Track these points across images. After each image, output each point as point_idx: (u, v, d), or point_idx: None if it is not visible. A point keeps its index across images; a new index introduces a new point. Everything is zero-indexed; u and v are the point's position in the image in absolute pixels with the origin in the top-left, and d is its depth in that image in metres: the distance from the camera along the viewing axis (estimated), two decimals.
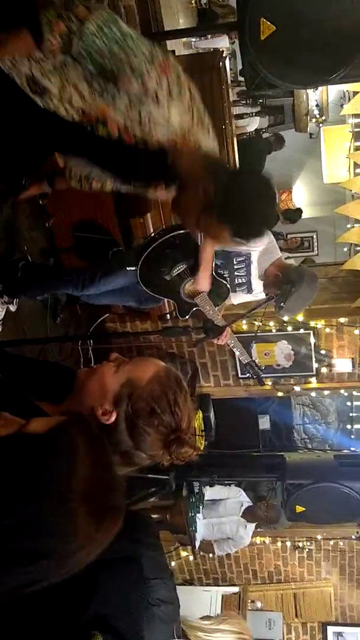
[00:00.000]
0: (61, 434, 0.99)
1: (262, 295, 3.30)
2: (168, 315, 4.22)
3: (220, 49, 5.05)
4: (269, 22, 2.26)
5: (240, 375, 4.97)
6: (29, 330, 3.79)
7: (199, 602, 5.62)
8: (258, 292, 3.31)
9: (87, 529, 0.93)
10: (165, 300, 3.61)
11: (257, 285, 3.29)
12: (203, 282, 3.06)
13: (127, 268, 3.20)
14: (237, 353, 3.26)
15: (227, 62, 4.06)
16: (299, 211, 8.27)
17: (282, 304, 3.01)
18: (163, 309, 4.13)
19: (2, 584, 0.89)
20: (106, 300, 3.69)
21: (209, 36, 5.86)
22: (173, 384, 1.30)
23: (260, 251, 3.17)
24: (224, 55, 4.05)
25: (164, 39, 3.97)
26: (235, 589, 6.02)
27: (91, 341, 4.39)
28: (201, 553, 5.48)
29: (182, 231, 3.12)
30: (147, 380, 1.28)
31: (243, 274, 3.26)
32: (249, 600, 6.02)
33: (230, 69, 4.97)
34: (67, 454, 0.96)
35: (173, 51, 3.94)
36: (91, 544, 0.95)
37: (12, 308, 3.46)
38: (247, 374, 3.37)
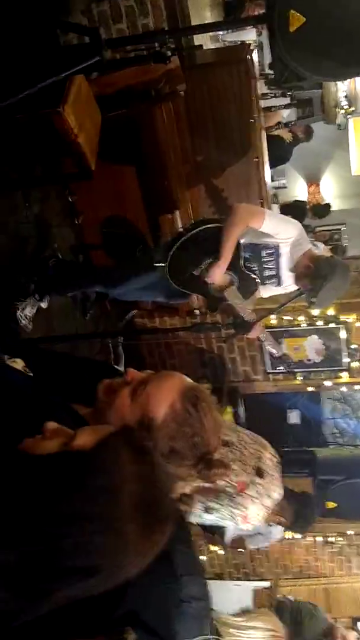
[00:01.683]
0: (108, 450, 0.98)
1: (293, 288, 3.28)
2: (197, 311, 4.22)
3: (248, 42, 5.00)
4: (298, 14, 2.23)
5: (269, 370, 4.95)
6: (59, 327, 3.83)
7: (229, 596, 5.63)
8: (288, 284, 3.29)
9: (137, 544, 0.93)
10: (194, 295, 3.61)
11: (287, 277, 3.26)
12: (217, 274, 3.05)
13: (156, 264, 3.21)
14: (268, 347, 3.25)
15: (254, 54, 4.03)
16: (327, 206, 8.17)
17: (313, 299, 2.99)
18: (192, 305, 4.14)
19: (52, 600, 0.89)
20: (135, 296, 3.70)
21: (236, 29, 5.81)
22: (191, 412, 1.24)
23: (291, 243, 3.15)
24: (251, 48, 4.02)
25: (191, 34, 3.96)
26: (266, 584, 6.01)
27: (121, 337, 4.41)
28: (231, 555, 5.48)
29: (209, 225, 3.11)
30: (162, 419, 1.23)
31: (272, 266, 3.23)
32: (280, 595, 6.00)
33: (258, 61, 4.93)
34: (114, 471, 0.95)
35: (200, 46, 3.92)
36: (142, 556, 0.95)
37: (44, 305, 3.50)
38: (280, 367, 3.35)
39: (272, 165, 5.81)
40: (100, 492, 0.92)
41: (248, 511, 3.27)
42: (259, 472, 3.47)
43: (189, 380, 1.35)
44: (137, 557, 0.94)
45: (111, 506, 0.92)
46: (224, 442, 3.46)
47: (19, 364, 1.37)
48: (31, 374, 1.37)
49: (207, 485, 3.34)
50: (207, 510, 3.18)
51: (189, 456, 1.24)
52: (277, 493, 2.98)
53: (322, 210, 8.08)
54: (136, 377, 1.31)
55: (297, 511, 3.64)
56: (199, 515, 3.19)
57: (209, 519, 3.07)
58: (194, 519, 2.91)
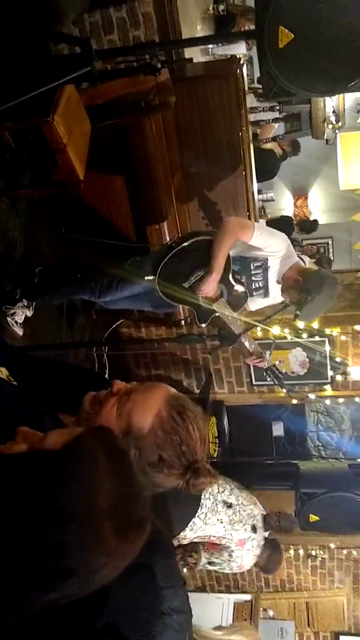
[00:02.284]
0: (79, 449, 0.97)
1: (279, 299, 3.30)
2: (183, 322, 4.22)
3: (238, 56, 5.05)
4: (287, 30, 2.26)
5: (254, 382, 4.96)
6: (45, 336, 3.81)
7: (210, 609, 5.60)
8: (275, 295, 3.31)
9: (113, 545, 0.92)
10: (181, 305, 3.62)
11: (274, 289, 3.28)
12: (210, 287, 3.06)
13: (145, 277, 3.21)
14: (253, 362, 3.27)
15: (244, 68, 4.06)
16: (315, 223, 8.26)
17: (299, 312, 3.01)
18: (178, 316, 4.14)
19: (27, 605, 0.88)
20: (123, 305, 3.70)
21: (226, 42, 5.87)
22: (177, 421, 1.25)
23: (279, 256, 3.17)
24: (241, 62, 4.05)
25: (182, 47, 3.99)
26: (248, 597, 5.99)
27: (106, 347, 4.40)
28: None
29: (198, 238, 3.12)
30: (149, 428, 1.24)
31: (260, 278, 3.26)
32: (261, 609, 5.98)
33: (247, 75, 4.97)
34: (87, 470, 0.94)
35: (191, 59, 3.95)
36: (117, 558, 0.94)
37: (29, 313, 3.49)
38: (269, 379, 3.37)
39: (260, 180, 5.86)
40: (71, 492, 0.91)
41: (243, 562, 3.52)
42: (254, 529, 3.67)
43: (174, 390, 1.35)
44: (111, 559, 0.93)
45: (85, 506, 0.91)
46: (228, 504, 3.60)
47: (3, 372, 1.36)
48: (15, 383, 1.36)
49: (213, 541, 3.50)
50: (210, 563, 3.53)
51: (177, 465, 1.24)
52: (263, 543, 3.57)
53: (309, 226, 8.16)
54: (122, 388, 1.31)
55: (269, 555, 3.84)
56: (203, 565, 3.42)
57: (211, 569, 3.72)
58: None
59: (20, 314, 3.38)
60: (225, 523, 3.56)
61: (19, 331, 3.39)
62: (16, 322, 3.35)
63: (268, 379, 3.37)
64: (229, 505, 3.60)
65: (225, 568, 3.77)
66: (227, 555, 3.67)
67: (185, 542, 3.55)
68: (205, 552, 3.69)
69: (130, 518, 0.96)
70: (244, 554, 3.67)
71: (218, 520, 3.52)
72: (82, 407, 1.31)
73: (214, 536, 3.59)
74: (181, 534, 3.40)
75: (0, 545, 0.86)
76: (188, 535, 3.45)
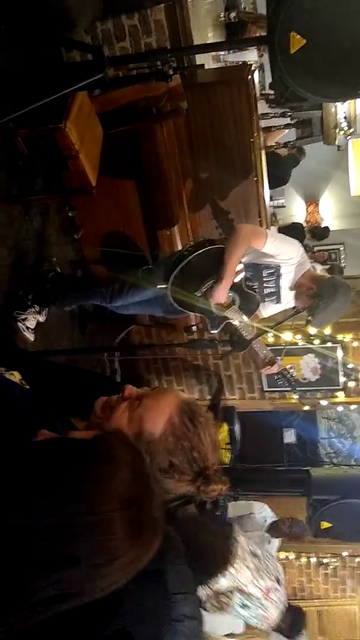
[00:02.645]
0: (103, 441, 0.99)
1: (291, 305, 3.29)
2: (194, 327, 4.22)
3: (249, 62, 5.06)
4: (299, 36, 2.26)
5: (265, 389, 4.94)
6: (56, 341, 3.82)
7: (221, 617, 5.56)
8: (287, 302, 3.30)
9: (123, 538, 0.91)
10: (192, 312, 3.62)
11: (287, 296, 3.28)
12: (220, 294, 3.06)
13: (158, 285, 3.22)
14: (265, 371, 3.27)
15: (255, 74, 4.07)
16: (326, 229, 8.24)
17: (311, 318, 3.00)
18: (189, 321, 4.14)
19: (31, 592, 0.87)
20: (134, 310, 3.71)
21: (238, 49, 5.88)
22: (189, 427, 1.24)
23: (292, 264, 3.17)
24: (252, 68, 4.06)
25: (193, 53, 4.00)
26: None
27: (117, 352, 4.41)
28: None
29: (211, 247, 3.12)
30: (160, 433, 1.23)
31: (272, 285, 3.25)
32: None
33: (259, 82, 4.98)
34: (109, 458, 0.96)
35: (202, 65, 3.96)
36: (125, 558, 0.93)
37: (41, 318, 3.50)
38: (280, 383, 3.36)
39: (272, 186, 5.85)
40: (92, 474, 0.92)
41: (271, 614, 3.56)
42: (278, 581, 3.71)
43: (185, 396, 1.35)
44: (118, 556, 0.92)
45: (101, 489, 0.91)
46: (254, 553, 3.63)
47: (16, 376, 1.37)
48: (27, 387, 1.36)
49: (243, 589, 3.52)
50: (243, 606, 3.63)
51: (187, 470, 1.23)
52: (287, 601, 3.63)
53: (321, 232, 8.15)
54: (133, 393, 1.31)
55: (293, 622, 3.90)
56: (236, 609, 3.43)
57: (242, 614, 3.71)
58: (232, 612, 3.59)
59: (32, 320, 3.40)
60: (253, 570, 3.60)
61: (31, 337, 3.40)
62: (27, 328, 3.36)
63: (280, 383, 3.36)
64: (255, 555, 3.67)
65: (256, 617, 3.81)
66: (257, 602, 3.71)
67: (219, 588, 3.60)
68: (238, 593, 3.72)
69: (142, 516, 0.95)
70: (270, 604, 3.72)
71: (246, 567, 3.56)
72: (94, 412, 1.31)
73: (243, 584, 3.63)
74: (215, 582, 3.43)
75: (14, 516, 0.86)
76: (221, 582, 3.48)
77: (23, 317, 3.35)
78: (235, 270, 3.04)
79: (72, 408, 1.35)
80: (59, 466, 0.93)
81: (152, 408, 1.26)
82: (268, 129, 5.62)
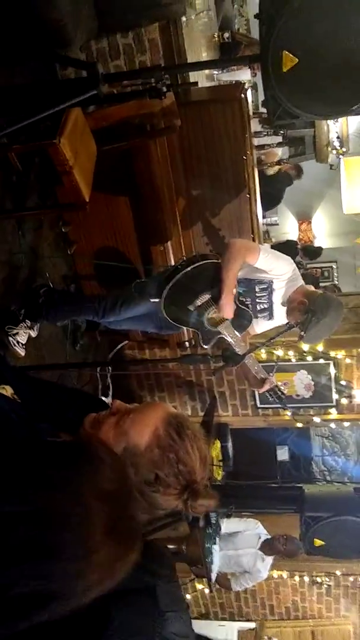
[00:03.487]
0: (86, 442, 1.03)
1: (284, 321, 3.30)
2: (187, 343, 4.21)
3: (242, 82, 5.12)
4: (291, 55, 2.29)
5: (259, 405, 4.93)
6: (49, 356, 3.81)
7: (214, 637, 5.50)
8: (280, 318, 3.31)
9: (100, 532, 0.90)
10: (185, 327, 3.62)
11: (279, 311, 3.28)
12: (228, 309, 3.06)
13: (151, 300, 3.22)
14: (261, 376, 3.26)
15: (248, 93, 4.11)
16: (319, 249, 8.29)
17: (303, 333, 3.00)
18: (182, 337, 4.14)
19: (6, 584, 0.85)
20: (127, 325, 3.70)
21: (231, 69, 5.96)
22: (175, 439, 1.23)
23: (284, 279, 3.18)
24: (245, 87, 4.10)
25: (187, 71, 4.05)
26: (252, 625, 5.89)
27: (110, 368, 4.39)
28: (217, 587, 5.38)
29: (204, 262, 3.13)
30: (145, 445, 1.22)
31: (265, 301, 3.26)
32: (266, 637, 5.88)
33: (252, 101, 5.04)
34: (91, 457, 0.97)
35: (196, 82, 4.00)
36: (103, 553, 0.91)
37: (33, 334, 3.49)
38: (271, 399, 3.35)
39: (267, 207, 5.90)
40: (72, 466, 0.94)
41: None
42: None
43: (173, 409, 1.34)
44: (98, 558, 0.90)
45: (80, 480, 0.91)
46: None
47: (7, 390, 1.36)
48: (19, 401, 1.36)
49: None
50: None
51: (174, 483, 1.22)
52: None
53: (313, 252, 8.20)
54: (121, 408, 1.31)
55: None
56: None
57: None
58: None
59: (24, 335, 3.38)
60: None
61: (22, 351, 3.38)
62: (18, 342, 3.34)
63: (270, 399, 3.35)
64: None
65: None
66: None
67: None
68: None
69: (121, 513, 0.95)
70: None
71: None
72: (83, 427, 1.30)
73: None
74: None
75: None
76: None
77: (15, 332, 3.34)
78: (234, 284, 3.05)
79: (62, 423, 1.35)
80: (39, 458, 0.94)
81: (138, 421, 1.26)
82: (261, 147, 5.68)
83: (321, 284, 8.26)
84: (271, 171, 6.51)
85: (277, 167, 6.50)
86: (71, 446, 1.02)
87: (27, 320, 3.42)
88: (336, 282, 8.73)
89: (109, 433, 1.25)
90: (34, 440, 1.03)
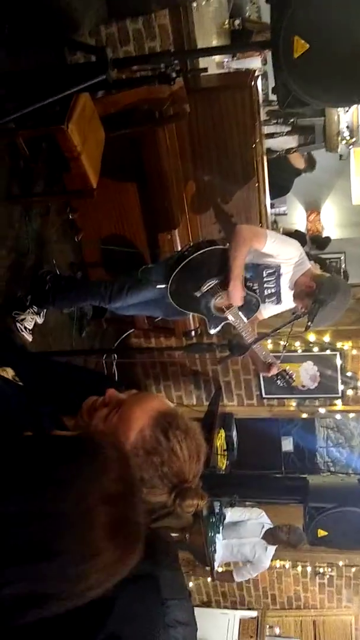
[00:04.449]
0: (93, 440, 0.98)
1: (291, 305, 3.28)
2: (193, 332, 4.20)
3: (253, 69, 5.06)
4: (302, 41, 2.26)
5: (264, 395, 4.92)
6: (55, 343, 3.81)
7: (216, 625, 5.53)
8: (287, 302, 3.30)
9: (102, 536, 0.89)
10: (191, 315, 3.61)
11: (287, 296, 3.27)
12: (236, 295, 3.05)
13: (157, 286, 3.21)
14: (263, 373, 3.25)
15: (259, 81, 4.07)
16: (327, 239, 8.24)
17: (309, 323, 2.98)
18: (188, 325, 4.13)
19: (7, 585, 0.84)
20: (133, 311, 3.70)
21: (242, 56, 5.89)
22: (160, 441, 1.19)
23: (292, 263, 3.16)
24: (256, 74, 4.06)
25: (197, 57, 4.00)
26: (254, 614, 5.92)
27: (115, 355, 4.39)
28: (218, 583, 5.41)
29: (211, 248, 3.12)
30: (131, 447, 1.18)
31: (273, 285, 3.25)
32: (268, 626, 5.90)
33: (262, 89, 4.99)
34: (98, 457, 0.94)
35: (206, 68, 3.96)
36: (105, 556, 0.90)
37: (39, 320, 3.49)
38: (279, 383, 3.34)
39: (274, 196, 5.83)
40: (77, 467, 0.91)
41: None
42: None
43: (166, 404, 1.29)
44: (100, 557, 0.89)
45: (85, 482, 0.90)
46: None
47: (8, 372, 1.35)
48: (20, 384, 1.35)
49: None
50: None
51: (158, 485, 1.19)
52: None
53: (322, 242, 8.16)
54: (114, 398, 1.27)
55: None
56: None
57: None
58: None
59: (30, 320, 3.39)
60: None
61: (29, 337, 3.39)
62: (25, 328, 3.35)
63: (279, 383, 3.34)
64: None
65: None
66: None
67: None
68: None
69: (125, 517, 0.93)
70: None
71: None
72: (80, 412, 1.29)
73: None
74: None
75: None
76: None
77: (21, 317, 3.34)
78: (242, 270, 3.04)
79: (66, 405, 1.33)
80: (44, 457, 0.91)
81: (125, 419, 1.22)
82: (270, 135, 5.63)
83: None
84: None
85: (293, 156, 6.40)
86: (76, 442, 0.98)
87: (33, 306, 3.42)
88: (344, 267, 8.67)
89: (98, 427, 1.23)
90: (36, 434, 1.00)
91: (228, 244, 3.10)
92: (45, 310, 3.53)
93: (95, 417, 1.25)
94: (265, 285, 3.23)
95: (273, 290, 3.24)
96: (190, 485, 1.22)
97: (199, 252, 3.10)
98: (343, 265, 8.58)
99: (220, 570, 5.20)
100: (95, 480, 0.90)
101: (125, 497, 0.94)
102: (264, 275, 3.21)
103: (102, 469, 0.92)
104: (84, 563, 0.87)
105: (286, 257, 3.14)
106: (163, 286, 3.17)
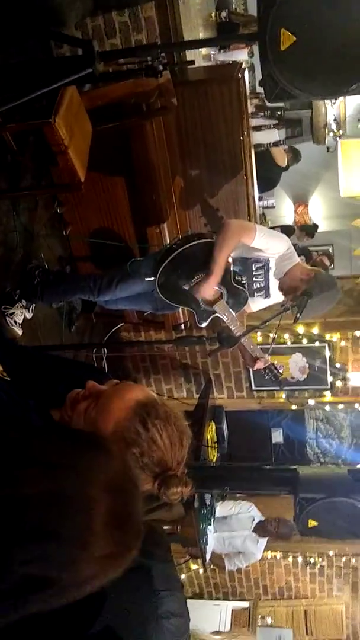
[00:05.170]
0: (100, 435, 1.02)
1: (280, 299, 3.30)
2: (182, 326, 4.21)
3: (240, 62, 5.06)
4: (289, 33, 2.26)
5: (254, 388, 4.94)
6: (44, 338, 3.80)
7: (208, 616, 5.57)
8: (276, 296, 3.31)
9: (101, 525, 0.89)
10: (181, 308, 3.61)
11: (276, 290, 3.28)
12: (206, 290, 3.06)
13: (146, 279, 3.21)
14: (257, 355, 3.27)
15: (245, 73, 4.06)
16: (315, 226, 8.32)
17: (298, 315, 2.99)
18: (178, 319, 4.13)
19: (9, 561, 0.84)
20: (122, 305, 3.69)
21: (228, 49, 5.89)
22: (140, 432, 1.19)
23: (280, 257, 3.17)
24: (242, 67, 4.06)
25: (184, 49, 3.99)
26: (246, 604, 5.96)
27: (105, 349, 4.39)
28: (212, 566, 5.43)
29: (200, 241, 3.12)
30: (110, 436, 1.18)
31: (261, 279, 3.26)
32: (259, 616, 5.95)
33: (249, 82, 4.99)
34: (105, 448, 0.96)
35: (193, 61, 3.95)
36: (101, 546, 0.90)
37: (28, 315, 3.48)
38: (267, 377, 3.36)
39: (262, 190, 5.84)
40: (84, 456, 0.93)
41: None
42: None
43: (145, 393, 1.29)
44: (99, 545, 0.89)
45: (91, 470, 0.91)
46: None
47: None
48: (8, 379, 1.35)
49: None
50: None
51: (140, 474, 1.19)
52: None
53: (311, 229, 8.24)
54: (94, 390, 1.27)
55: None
56: None
57: None
58: None
59: (19, 315, 3.38)
60: None
61: (19, 331, 3.39)
62: (15, 322, 3.34)
63: (267, 377, 3.36)
64: None
65: None
66: None
67: None
68: None
69: (124, 510, 0.94)
70: None
71: None
72: (65, 406, 1.29)
73: None
74: None
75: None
76: None
77: (11, 311, 3.34)
78: (224, 266, 3.04)
79: (53, 399, 1.33)
80: (54, 443, 0.93)
81: (104, 411, 1.22)
82: (258, 128, 5.63)
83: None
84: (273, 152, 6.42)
85: (276, 149, 6.42)
86: (86, 433, 1.02)
87: (22, 300, 3.41)
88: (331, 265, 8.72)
89: (79, 420, 1.23)
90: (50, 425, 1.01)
91: (215, 237, 3.10)
92: (34, 305, 3.52)
93: (76, 409, 1.24)
94: (254, 279, 3.24)
95: (262, 285, 3.25)
96: (175, 472, 1.22)
97: (187, 245, 3.10)
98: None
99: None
100: (100, 470, 0.92)
101: (127, 491, 0.95)
102: (253, 269, 3.22)
103: (107, 461, 0.94)
104: (83, 549, 0.88)
105: (275, 251, 3.15)
106: (152, 279, 3.17)
